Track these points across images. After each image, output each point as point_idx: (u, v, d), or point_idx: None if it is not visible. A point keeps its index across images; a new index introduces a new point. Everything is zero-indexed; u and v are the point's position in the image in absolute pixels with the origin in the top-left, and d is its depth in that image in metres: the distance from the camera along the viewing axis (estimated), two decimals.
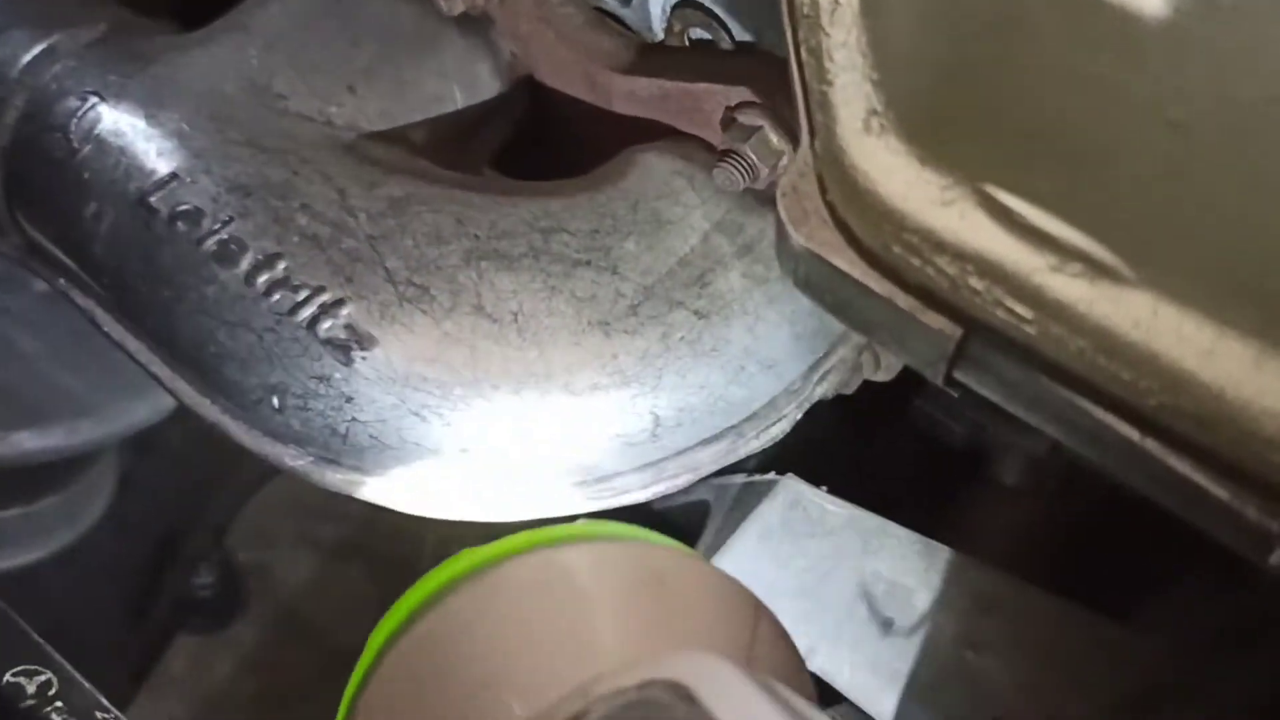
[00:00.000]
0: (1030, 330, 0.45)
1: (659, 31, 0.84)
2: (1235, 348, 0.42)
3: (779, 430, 0.79)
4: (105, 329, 0.83)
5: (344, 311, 0.75)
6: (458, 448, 0.75)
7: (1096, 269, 0.43)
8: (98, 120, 0.81)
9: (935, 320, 0.48)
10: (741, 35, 0.81)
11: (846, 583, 0.79)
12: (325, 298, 0.75)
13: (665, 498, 0.78)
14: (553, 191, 0.82)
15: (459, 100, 0.87)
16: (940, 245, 0.45)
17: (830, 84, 0.48)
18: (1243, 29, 0.34)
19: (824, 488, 0.82)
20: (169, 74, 0.83)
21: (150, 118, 0.81)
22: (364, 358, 0.74)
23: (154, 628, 1.39)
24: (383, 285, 0.76)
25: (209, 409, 0.79)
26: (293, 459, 0.77)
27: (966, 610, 0.78)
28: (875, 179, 0.46)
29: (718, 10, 0.80)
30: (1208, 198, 0.39)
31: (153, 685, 1.44)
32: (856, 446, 0.89)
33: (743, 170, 0.77)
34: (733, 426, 0.78)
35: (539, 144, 0.92)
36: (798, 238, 0.50)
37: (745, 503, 0.81)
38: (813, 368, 0.80)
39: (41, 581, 1.22)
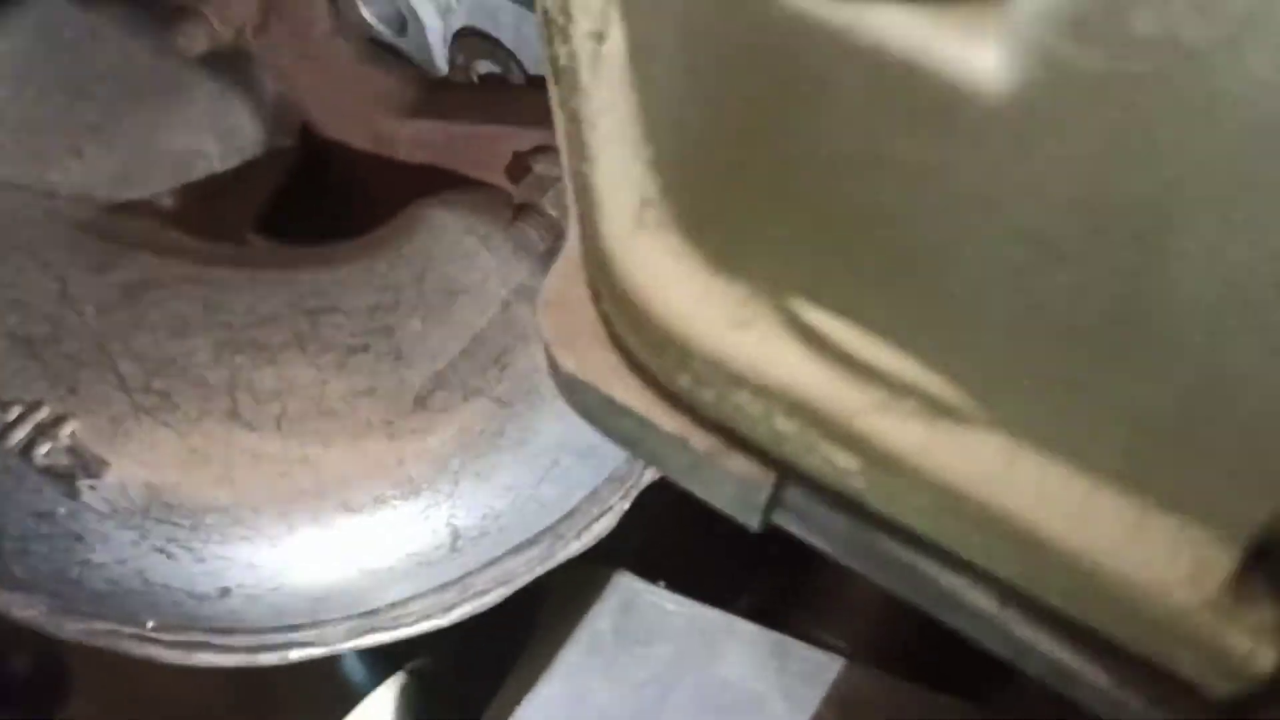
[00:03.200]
0: (857, 482, 0.34)
1: (442, 65, 0.72)
2: (1111, 507, 0.31)
3: (604, 526, 0.68)
4: None
5: (66, 431, 0.62)
6: (216, 587, 0.62)
7: (935, 408, 0.33)
8: None
9: (740, 465, 0.37)
10: (534, 69, 0.69)
11: (692, 697, 0.68)
12: (42, 415, 0.62)
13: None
14: (325, 260, 0.70)
15: (214, 154, 0.74)
16: (737, 378, 0.34)
17: (593, 162, 0.37)
18: (1115, 109, 0.24)
19: (661, 583, 0.71)
20: None
21: None
22: (92, 486, 0.61)
23: None
24: (114, 395, 0.63)
25: None
26: (21, 609, 0.64)
27: (829, 717, 0.67)
28: (652, 290, 0.35)
29: (504, 40, 0.68)
30: (1074, 321, 0.28)
31: None
32: (693, 531, 0.78)
33: (543, 227, 0.66)
34: (549, 528, 0.67)
35: (317, 195, 0.80)
36: (566, 363, 0.39)
37: (570, 608, 0.69)
38: None
39: None
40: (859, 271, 0.32)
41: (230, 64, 0.73)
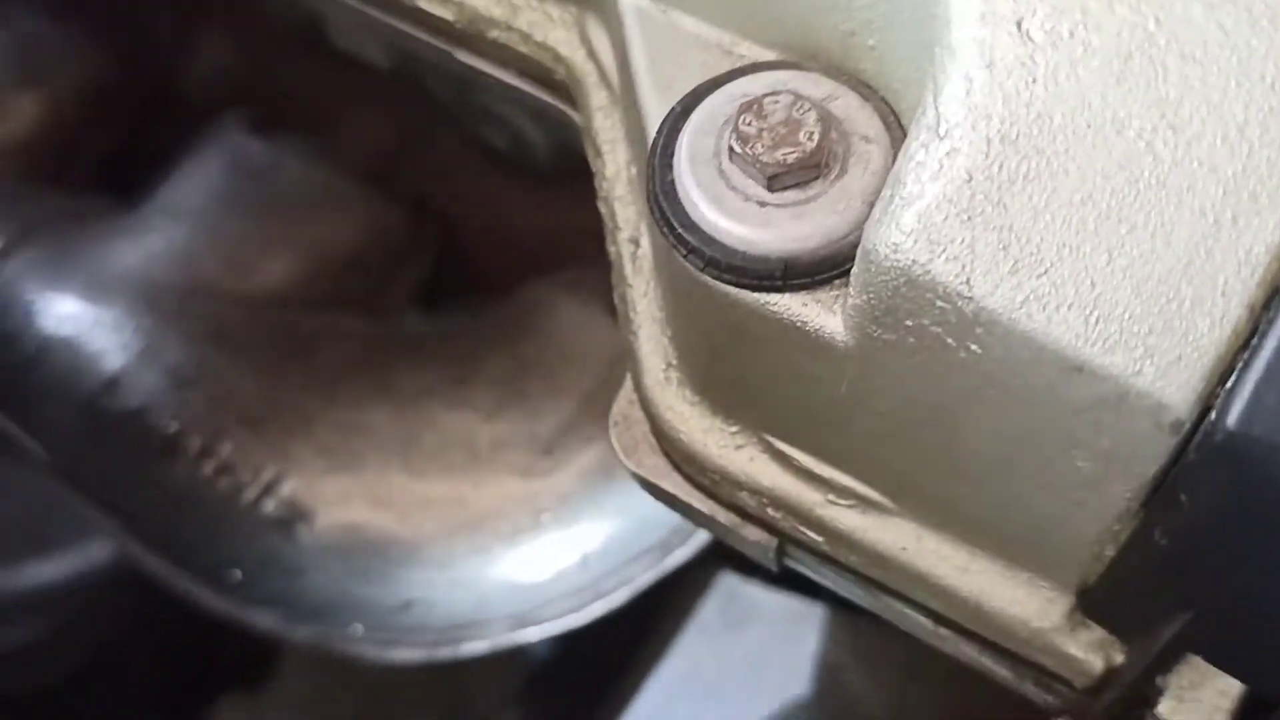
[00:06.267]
0: (825, 548, 0.51)
1: (546, 164, 0.89)
2: (986, 567, 0.47)
3: (705, 534, 0.85)
4: (80, 508, 0.90)
5: (284, 489, 0.81)
6: (401, 600, 0.82)
7: (865, 503, 0.49)
8: (43, 324, 0.87)
9: (753, 533, 0.54)
10: None
11: (783, 668, 0.85)
12: (267, 476, 0.82)
13: None
14: (464, 334, 0.88)
15: (372, 250, 0.93)
16: (738, 483, 0.51)
17: (635, 334, 0.53)
18: (904, 357, 0.39)
19: (757, 578, 0.88)
20: (105, 270, 0.89)
21: (92, 318, 0.87)
22: (306, 530, 0.81)
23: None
24: (317, 458, 0.82)
25: (181, 580, 0.86)
26: (261, 620, 0.84)
27: (893, 680, 0.83)
28: (676, 425, 0.52)
29: None
30: (927, 460, 0.44)
31: None
32: None
33: None
34: (661, 540, 0.84)
35: (463, 271, 0.98)
36: (629, 464, 0.55)
37: (682, 601, 0.87)
38: None
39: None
40: (803, 429, 0.48)
41: (382, 176, 0.92)
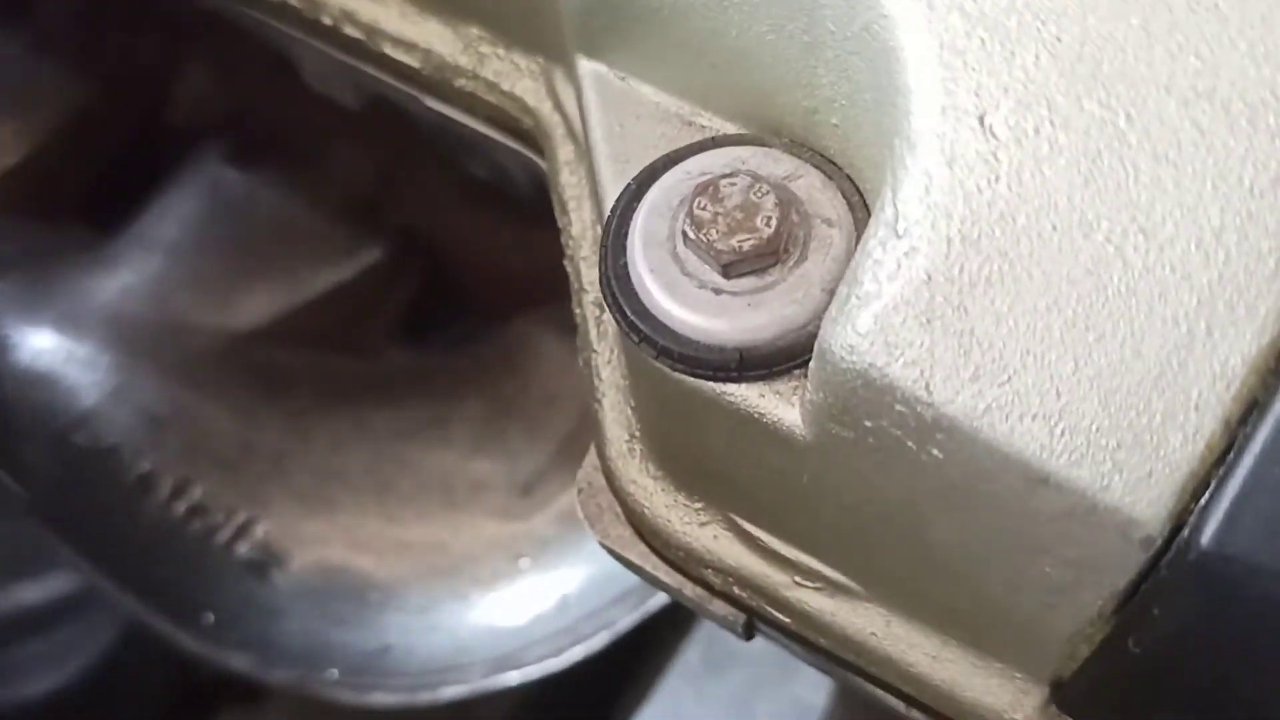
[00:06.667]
0: (793, 627, 0.49)
1: (530, 197, 0.87)
2: (958, 655, 0.45)
3: None
4: (58, 548, 0.89)
5: (258, 531, 0.80)
6: (379, 644, 0.80)
7: (833, 586, 0.47)
8: (19, 359, 0.86)
9: (720, 608, 0.52)
10: None
11: (769, 712, 0.83)
12: (240, 519, 0.80)
13: None
14: (444, 372, 0.86)
15: (351, 285, 0.91)
16: (702, 560, 0.49)
17: (599, 402, 0.52)
18: (864, 455, 0.38)
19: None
20: (80, 304, 0.87)
21: (66, 353, 0.86)
22: (280, 573, 0.79)
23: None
24: (291, 501, 0.80)
25: (156, 622, 0.85)
26: (236, 663, 0.83)
27: None
28: (639, 499, 0.50)
29: None
30: (894, 552, 0.42)
31: None
32: None
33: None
34: (642, 582, 0.82)
35: (448, 303, 0.96)
36: (594, 534, 0.54)
37: (663, 644, 0.85)
38: None
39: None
40: (767, 512, 0.47)
41: (361, 208, 0.90)
